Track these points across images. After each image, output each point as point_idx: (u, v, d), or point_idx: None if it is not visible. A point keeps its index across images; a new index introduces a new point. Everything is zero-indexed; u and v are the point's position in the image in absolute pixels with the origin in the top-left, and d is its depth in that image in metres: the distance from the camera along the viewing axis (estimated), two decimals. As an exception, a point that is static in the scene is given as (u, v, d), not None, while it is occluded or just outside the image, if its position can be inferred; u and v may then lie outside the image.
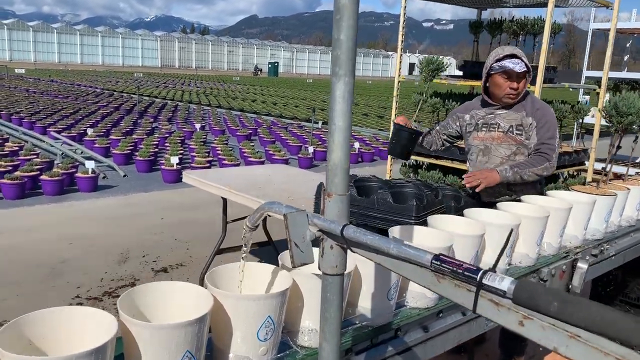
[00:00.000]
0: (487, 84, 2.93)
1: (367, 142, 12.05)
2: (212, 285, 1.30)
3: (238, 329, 1.25)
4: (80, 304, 3.86)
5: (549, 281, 2.07)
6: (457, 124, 3.12)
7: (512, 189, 2.89)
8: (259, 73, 59.98)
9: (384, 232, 2.66)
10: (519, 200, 3.06)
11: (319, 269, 1.07)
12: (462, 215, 2.06)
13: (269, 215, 1.24)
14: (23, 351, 1.08)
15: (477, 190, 2.73)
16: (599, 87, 5.60)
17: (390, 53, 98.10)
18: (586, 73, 8.34)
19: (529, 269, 2.02)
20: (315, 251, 1.43)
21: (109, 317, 1.14)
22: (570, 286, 2.18)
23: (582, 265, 2.14)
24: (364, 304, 1.51)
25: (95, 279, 4.32)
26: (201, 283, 4.14)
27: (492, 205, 3.20)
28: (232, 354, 1.26)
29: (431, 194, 2.61)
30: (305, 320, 1.39)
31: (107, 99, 19.84)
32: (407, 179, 2.83)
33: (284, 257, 1.48)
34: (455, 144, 3.50)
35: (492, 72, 2.84)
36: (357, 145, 10.77)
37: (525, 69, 2.75)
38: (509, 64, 2.74)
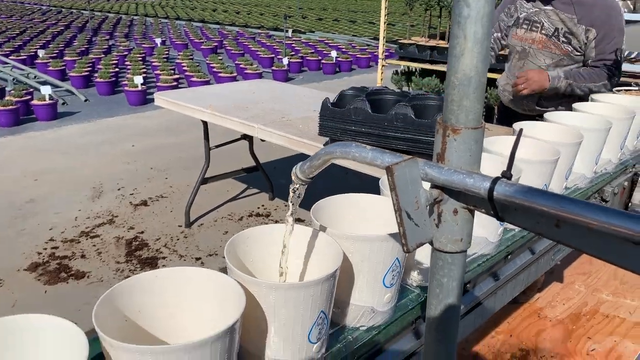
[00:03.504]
0: None
1: (344, 49, 11.40)
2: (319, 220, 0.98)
3: (362, 276, 0.96)
4: (56, 247, 3.49)
5: (610, 201, 1.77)
6: (505, 15, 2.56)
7: (543, 104, 2.48)
8: None
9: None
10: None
11: (431, 243, 0.71)
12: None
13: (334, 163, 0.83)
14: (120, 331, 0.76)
15: (519, 94, 2.34)
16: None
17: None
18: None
19: (593, 188, 1.71)
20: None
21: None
22: (630, 204, 1.90)
23: (646, 181, 1.84)
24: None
25: (69, 218, 3.92)
26: (187, 216, 3.81)
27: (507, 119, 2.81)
28: (352, 304, 0.98)
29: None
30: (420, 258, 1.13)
31: (55, 17, 18.28)
32: (426, 90, 2.44)
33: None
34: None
35: None
36: (334, 54, 10.14)
37: None
38: None
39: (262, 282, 0.78)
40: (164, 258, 3.38)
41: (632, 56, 9.01)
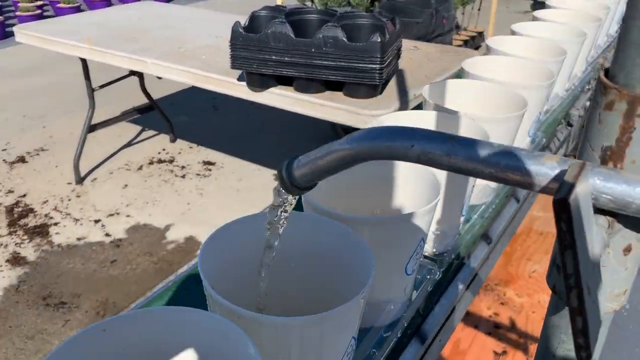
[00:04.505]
0: None
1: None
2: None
3: (379, 268, 0.69)
4: None
5: (575, 126, 1.60)
6: None
7: None
8: None
9: (335, 86, 1.97)
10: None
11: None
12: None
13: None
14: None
15: None
16: None
17: None
18: None
19: (562, 111, 1.51)
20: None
21: None
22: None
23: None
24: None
25: None
26: (76, 170, 3.28)
27: None
28: (367, 303, 0.74)
29: (390, 23, 1.94)
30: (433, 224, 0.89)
31: None
32: (350, 9, 2.10)
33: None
34: None
35: None
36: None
37: None
38: None
39: (278, 321, 0.50)
40: (56, 224, 2.88)
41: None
